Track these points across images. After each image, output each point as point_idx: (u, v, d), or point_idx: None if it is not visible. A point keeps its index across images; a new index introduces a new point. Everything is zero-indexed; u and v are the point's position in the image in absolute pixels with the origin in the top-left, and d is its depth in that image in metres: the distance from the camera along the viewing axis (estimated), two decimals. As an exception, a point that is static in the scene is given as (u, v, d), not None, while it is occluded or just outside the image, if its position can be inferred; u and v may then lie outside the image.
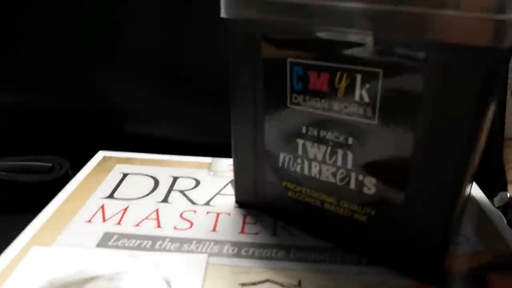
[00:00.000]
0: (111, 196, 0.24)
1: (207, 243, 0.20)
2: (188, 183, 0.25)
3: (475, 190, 0.25)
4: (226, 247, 0.20)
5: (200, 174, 0.27)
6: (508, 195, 0.27)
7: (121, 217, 0.22)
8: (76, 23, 0.31)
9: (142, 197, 0.24)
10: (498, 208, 0.27)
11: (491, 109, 0.17)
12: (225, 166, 0.28)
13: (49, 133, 0.33)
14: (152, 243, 0.20)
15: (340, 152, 0.18)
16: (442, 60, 0.14)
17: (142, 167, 0.27)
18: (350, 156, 0.17)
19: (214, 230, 0.21)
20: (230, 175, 0.27)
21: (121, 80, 0.32)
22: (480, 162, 0.26)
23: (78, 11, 0.30)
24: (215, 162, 0.28)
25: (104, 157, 0.28)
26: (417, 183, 0.16)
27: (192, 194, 0.24)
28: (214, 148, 0.32)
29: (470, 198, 0.24)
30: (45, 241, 0.20)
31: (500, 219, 0.22)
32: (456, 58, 0.13)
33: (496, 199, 0.28)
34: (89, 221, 0.21)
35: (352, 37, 0.15)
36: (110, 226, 0.21)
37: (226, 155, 0.31)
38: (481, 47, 0.13)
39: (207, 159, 0.28)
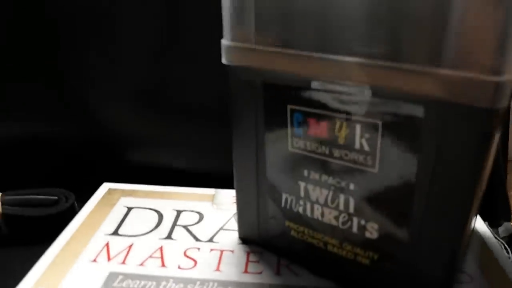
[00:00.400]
0: (115, 232, 0.24)
1: (211, 283, 0.20)
2: (192, 218, 0.26)
3: (479, 223, 0.25)
4: (230, 288, 0.20)
5: (204, 207, 0.27)
6: (513, 226, 0.27)
7: (126, 256, 0.22)
8: (78, 56, 0.31)
9: (146, 233, 0.24)
10: (503, 238, 0.27)
11: (493, 152, 0.17)
12: (229, 198, 0.28)
13: (52, 164, 0.33)
14: (156, 284, 0.20)
15: (341, 196, 0.18)
16: (440, 115, 0.14)
17: (146, 200, 0.27)
18: (351, 201, 0.18)
19: (217, 269, 0.21)
20: (233, 208, 0.27)
21: (123, 110, 0.33)
22: (484, 193, 0.26)
23: (80, 44, 0.31)
24: (218, 194, 0.28)
25: (109, 190, 0.29)
26: (419, 228, 0.16)
27: (195, 230, 0.24)
28: (219, 176, 0.33)
29: (474, 232, 0.24)
30: (51, 284, 0.20)
31: (504, 255, 0.22)
32: (453, 115, 0.13)
33: (501, 229, 0.27)
34: (94, 260, 0.22)
35: (350, 89, 0.15)
36: (115, 266, 0.21)
37: (231, 183, 0.31)
38: (477, 107, 0.13)
39: (210, 191, 0.29)
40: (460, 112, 0.13)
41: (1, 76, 0.32)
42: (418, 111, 0.14)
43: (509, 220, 0.28)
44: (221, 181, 0.32)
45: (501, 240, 0.27)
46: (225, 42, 0.18)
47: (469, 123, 0.13)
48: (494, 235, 0.27)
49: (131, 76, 0.32)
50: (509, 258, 0.25)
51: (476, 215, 0.22)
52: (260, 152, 0.20)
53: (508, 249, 0.26)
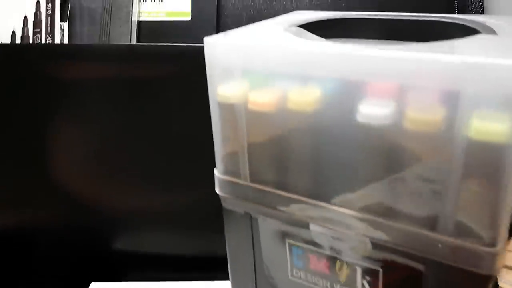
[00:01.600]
0: None
1: None
2: (189, 323, 0.25)
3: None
4: None
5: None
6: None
7: None
8: (60, 146, 0.30)
9: None
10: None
11: None
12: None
13: (37, 262, 0.32)
14: None
15: (344, 326, 0.18)
16: (438, 273, 0.14)
17: (139, 303, 0.27)
18: (355, 331, 0.18)
19: None
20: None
21: (110, 196, 0.32)
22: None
23: (64, 135, 0.30)
24: (213, 288, 0.28)
25: (98, 293, 0.28)
26: None
27: None
28: (213, 261, 0.32)
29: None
30: None
31: None
32: (450, 275, 0.14)
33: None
34: None
35: (350, 238, 0.16)
36: None
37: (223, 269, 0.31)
38: (473, 271, 0.13)
39: (200, 285, 0.28)
40: (457, 273, 0.14)
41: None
42: (418, 265, 0.15)
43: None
44: (214, 266, 0.32)
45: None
46: (217, 174, 0.18)
47: (466, 283, 0.14)
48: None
49: (117, 157, 0.31)
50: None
51: None
52: (260, 278, 0.19)
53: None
